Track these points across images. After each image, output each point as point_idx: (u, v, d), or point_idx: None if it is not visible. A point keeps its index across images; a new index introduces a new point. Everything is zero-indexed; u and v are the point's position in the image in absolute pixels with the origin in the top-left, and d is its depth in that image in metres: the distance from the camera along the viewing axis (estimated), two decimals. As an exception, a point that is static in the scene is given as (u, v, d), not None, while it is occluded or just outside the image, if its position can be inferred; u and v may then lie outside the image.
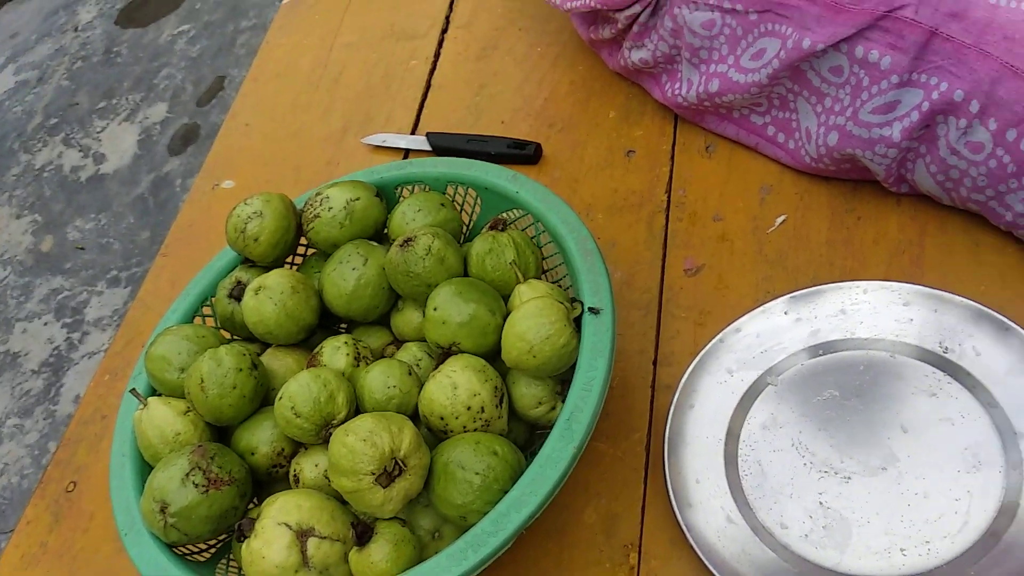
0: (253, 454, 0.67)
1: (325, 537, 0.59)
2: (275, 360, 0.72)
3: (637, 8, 0.84)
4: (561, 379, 0.67)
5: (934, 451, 0.65)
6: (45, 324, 2.04)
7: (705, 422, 0.70)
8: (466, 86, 1.02)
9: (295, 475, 0.66)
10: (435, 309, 0.67)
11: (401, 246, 0.69)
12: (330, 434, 0.62)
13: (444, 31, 1.09)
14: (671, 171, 0.87)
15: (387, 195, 0.79)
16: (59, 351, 1.98)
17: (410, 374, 0.66)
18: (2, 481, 1.80)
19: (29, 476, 1.79)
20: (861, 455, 0.66)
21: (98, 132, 2.39)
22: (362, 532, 0.59)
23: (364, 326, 0.76)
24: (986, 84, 0.66)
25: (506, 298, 0.69)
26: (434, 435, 0.65)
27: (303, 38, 1.15)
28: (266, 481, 0.69)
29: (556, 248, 0.71)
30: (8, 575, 0.79)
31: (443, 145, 0.95)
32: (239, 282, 0.75)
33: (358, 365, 0.68)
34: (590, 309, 0.64)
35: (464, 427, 0.63)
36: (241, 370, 0.66)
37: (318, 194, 0.76)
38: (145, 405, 0.68)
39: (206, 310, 0.78)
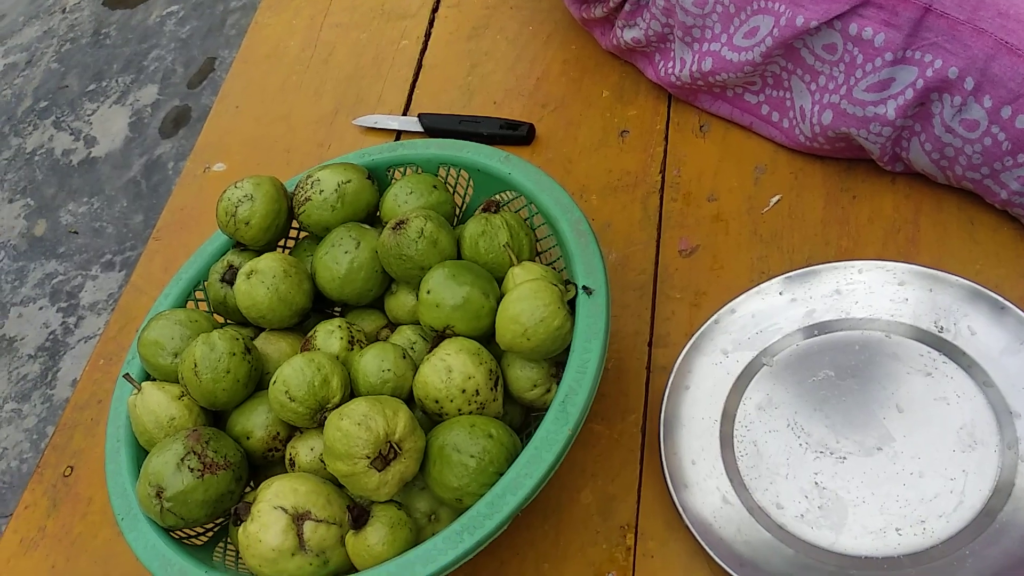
0: (248, 438, 0.67)
1: (321, 520, 0.60)
2: (269, 344, 0.72)
3: (630, -14, 0.84)
4: (556, 361, 0.67)
5: (929, 431, 0.65)
6: (40, 309, 2.04)
7: (701, 403, 0.70)
8: (458, 66, 1.01)
9: (291, 459, 0.66)
10: (428, 292, 0.66)
11: (393, 229, 0.69)
12: (325, 418, 0.62)
13: (435, 10, 1.08)
14: (665, 151, 0.86)
15: (379, 177, 0.78)
16: (55, 335, 1.98)
17: (404, 357, 0.66)
18: (1, 465, 1.80)
19: (28, 460, 1.79)
20: (856, 435, 0.66)
21: (89, 115, 2.37)
22: (358, 515, 0.59)
23: (358, 309, 0.75)
24: (980, 61, 0.66)
25: (500, 280, 0.69)
26: (429, 418, 0.65)
27: (292, 18, 1.14)
28: (262, 465, 0.69)
29: (550, 230, 0.71)
30: (7, 560, 0.79)
31: (435, 126, 0.94)
32: (231, 266, 0.75)
33: (352, 349, 0.68)
34: (584, 288, 0.64)
35: (459, 410, 0.63)
36: (235, 354, 0.66)
37: (309, 177, 0.75)
38: (139, 390, 0.68)
39: (198, 294, 0.78)
